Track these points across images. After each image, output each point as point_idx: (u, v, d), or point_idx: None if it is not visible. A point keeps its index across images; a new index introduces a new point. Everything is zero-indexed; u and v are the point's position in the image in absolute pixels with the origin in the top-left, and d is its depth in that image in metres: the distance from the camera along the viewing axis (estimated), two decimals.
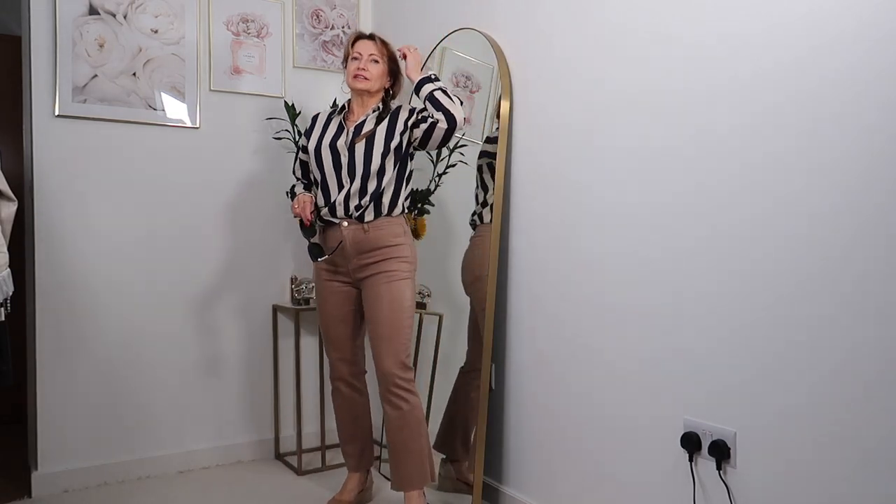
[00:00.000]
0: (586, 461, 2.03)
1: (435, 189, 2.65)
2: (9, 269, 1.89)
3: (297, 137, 2.83)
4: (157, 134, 2.70)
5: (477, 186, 2.43)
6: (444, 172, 2.60)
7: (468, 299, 2.44)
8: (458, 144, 2.54)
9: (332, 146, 2.24)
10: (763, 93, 1.55)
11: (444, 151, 2.59)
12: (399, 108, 2.28)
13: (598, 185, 1.99)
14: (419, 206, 2.69)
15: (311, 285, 2.81)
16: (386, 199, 2.21)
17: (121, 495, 2.50)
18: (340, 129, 2.26)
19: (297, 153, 2.46)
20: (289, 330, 2.96)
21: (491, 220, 2.31)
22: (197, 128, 2.77)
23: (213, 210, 2.82)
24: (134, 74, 2.63)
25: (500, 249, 2.31)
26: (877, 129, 1.34)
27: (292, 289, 2.86)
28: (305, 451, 2.88)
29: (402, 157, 2.23)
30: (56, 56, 2.49)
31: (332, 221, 2.24)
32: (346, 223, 2.20)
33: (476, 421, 2.30)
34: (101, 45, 2.57)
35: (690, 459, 1.71)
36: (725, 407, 1.63)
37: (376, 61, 2.24)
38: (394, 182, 2.22)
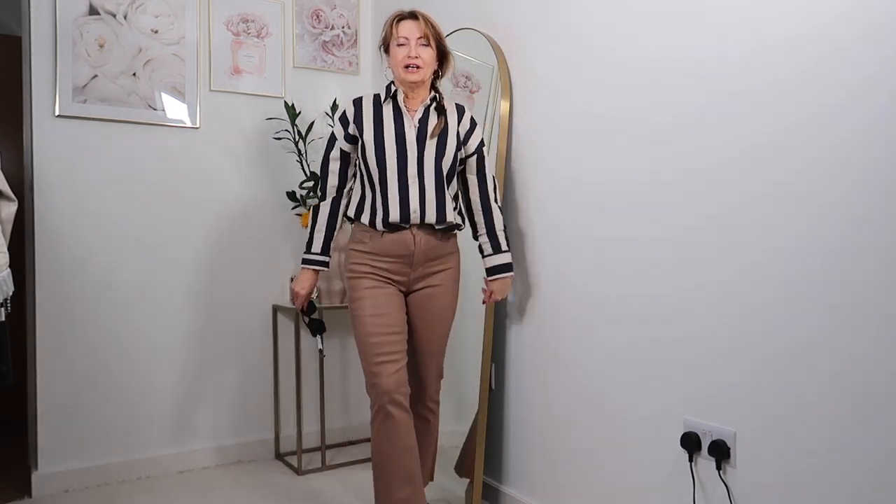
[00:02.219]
0: (586, 460, 2.03)
1: None
2: (9, 269, 1.89)
3: (296, 138, 2.83)
4: (157, 134, 2.70)
5: None
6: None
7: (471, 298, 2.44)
8: None
9: (400, 138, 1.97)
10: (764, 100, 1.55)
11: None
12: (461, 109, 2.09)
13: (598, 184, 1.99)
14: None
15: None
16: (452, 204, 2.05)
17: (121, 495, 2.50)
18: (400, 117, 2.00)
19: (327, 153, 2.09)
20: (289, 330, 2.96)
21: None
22: (197, 128, 2.78)
23: (212, 210, 2.82)
24: (134, 74, 2.63)
25: None
26: (877, 127, 1.35)
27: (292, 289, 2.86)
28: (305, 451, 2.88)
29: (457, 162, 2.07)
30: (56, 56, 2.49)
31: (401, 226, 1.98)
32: (415, 228, 1.98)
33: None
34: (102, 46, 2.57)
35: (690, 459, 1.71)
36: (725, 407, 1.64)
37: (426, 45, 1.96)
38: (454, 186, 2.09)
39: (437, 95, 2.04)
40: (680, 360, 1.75)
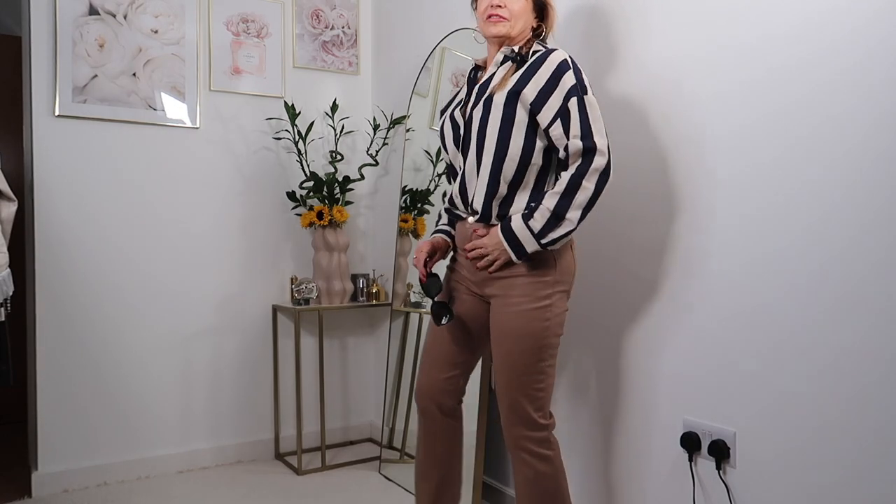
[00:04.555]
0: (586, 460, 2.03)
1: (435, 189, 2.65)
2: (9, 270, 1.89)
3: (296, 138, 2.83)
4: (157, 134, 2.70)
5: None
6: (444, 172, 2.60)
7: None
8: None
9: (453, 116, 1.68)
10: (770, 92, 1.55)
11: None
12: (548, 53, 1.56)
13: None
14: (419, 206, 2.69)
15: (311, 285, 2.80)
16: (500, 190, 1.58)
17: (121, 495, 2.50)
18: (471, 92, 1.68)
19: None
20: (289, 330, 2.96)
21: None
22: (197, 128, 2.77)
23: (212, 210, 2.82)
24: (134, 74, 2.63)
25: None
26: (884, 127, 1.35)
27: (292, 289, 2.86)
28: (305, 451, 2.88)
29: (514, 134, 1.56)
30: (56, 56, 2.49)
31: (459, 215, 1.71)
32: (471, 219, 1.65)
33: None
34: (102, 46, 2.57)
35: (690, 459, 1.71)
36: (725, 407, 1.64)
37: None
38: (515, 162, 1.56)
39: (515, 50, 1.61)
40: (680, 360, 1.75)
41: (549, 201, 1.51)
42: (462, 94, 1.71)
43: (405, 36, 2.93)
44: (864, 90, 1.36)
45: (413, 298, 2.73)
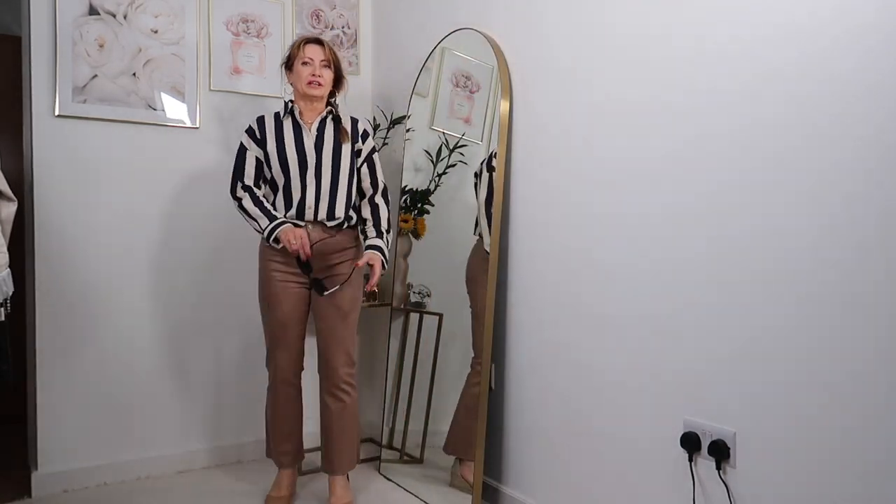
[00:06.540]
0: (586, 461, 2.03)
1: (435, 189, 2.65)
2: (9, 269, 1.89)
3: None
4: (157, 134, 2.70)
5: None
6: (444, 172, 2.61)
7: (468, 297, 2.44)
8: (458, 144, 2.54)
9: (299, 147, 2.29)
10: (765, 96, 1.55)
11: (444, 151, 2.59)
12: (355, 120, 2.38)
13: (597, 186, 1.99)
14: (419, 206, 2.69)
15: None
16: (350, 204, 2.34)
17: (121, 495, 2.50)
18: (298, 129, 2.31)
19: (241, 160, 2.34)
20: None
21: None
22: (197, 128, 2.77)
23: (212, 210, 2.81)
24: (134, 74, 2.63)
25: (500, 250, 2.31)
26: (876, 134, 1.35)
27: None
28: (305, 451, 2.87)
29: (354, 170, 2.37)
30: (56, 56, 2.49)
31: (297, 224, 2.28)
32: (310, 226, 2.28)
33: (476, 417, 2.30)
34: (101, 46, 2.57)
35: (690, 459, 1.71)
36: (725, 407, 1.64)
37: (327, 66, 2.31)
38: (353, 188, 2.35)
39: (333, 108, 2.35)
40: (680, 360, 1.75)
41: (383, 224, 2.38)
42: (288, 132, 2.30)
43: (405, 36, 2.93)
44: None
45: (413, 298, 2.73)
